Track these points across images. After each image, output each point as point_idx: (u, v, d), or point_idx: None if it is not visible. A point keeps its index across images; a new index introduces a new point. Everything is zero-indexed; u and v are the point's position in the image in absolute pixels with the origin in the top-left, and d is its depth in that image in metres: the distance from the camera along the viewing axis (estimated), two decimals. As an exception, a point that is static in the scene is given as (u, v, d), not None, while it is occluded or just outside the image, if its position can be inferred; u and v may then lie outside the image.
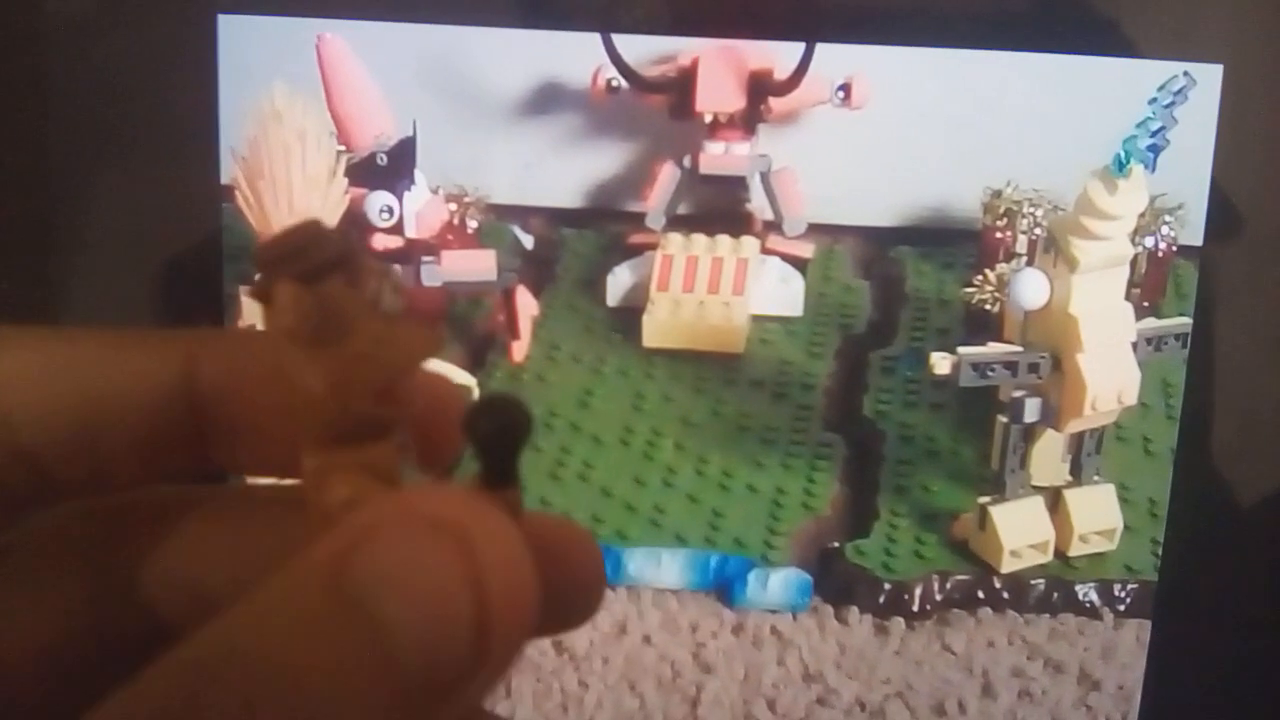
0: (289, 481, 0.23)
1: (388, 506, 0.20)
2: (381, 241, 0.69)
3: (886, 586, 0.65)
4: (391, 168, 0.68)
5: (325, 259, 0.21)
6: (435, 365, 0.68)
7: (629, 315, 0.73)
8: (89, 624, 0.23)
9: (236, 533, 0.24)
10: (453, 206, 0.71)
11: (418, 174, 0.68)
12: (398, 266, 0.69)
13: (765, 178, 0.71)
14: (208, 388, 0.23)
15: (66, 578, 0.23)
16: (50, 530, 0.24)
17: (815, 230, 0.71)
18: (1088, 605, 0.66)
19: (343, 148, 0.67)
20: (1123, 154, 0.59)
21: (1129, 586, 0.65)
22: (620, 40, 0.66)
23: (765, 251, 0.72)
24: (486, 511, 0.20)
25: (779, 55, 0.68)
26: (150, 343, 0.23)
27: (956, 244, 0.71)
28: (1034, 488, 0.66)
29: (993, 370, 0.63)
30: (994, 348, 0.64)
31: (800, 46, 0.65)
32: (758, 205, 0.73)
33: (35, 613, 0.23)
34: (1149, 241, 0.67)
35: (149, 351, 0.23)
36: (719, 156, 0.71)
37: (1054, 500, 0.66)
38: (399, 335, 0.21)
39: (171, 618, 0.23)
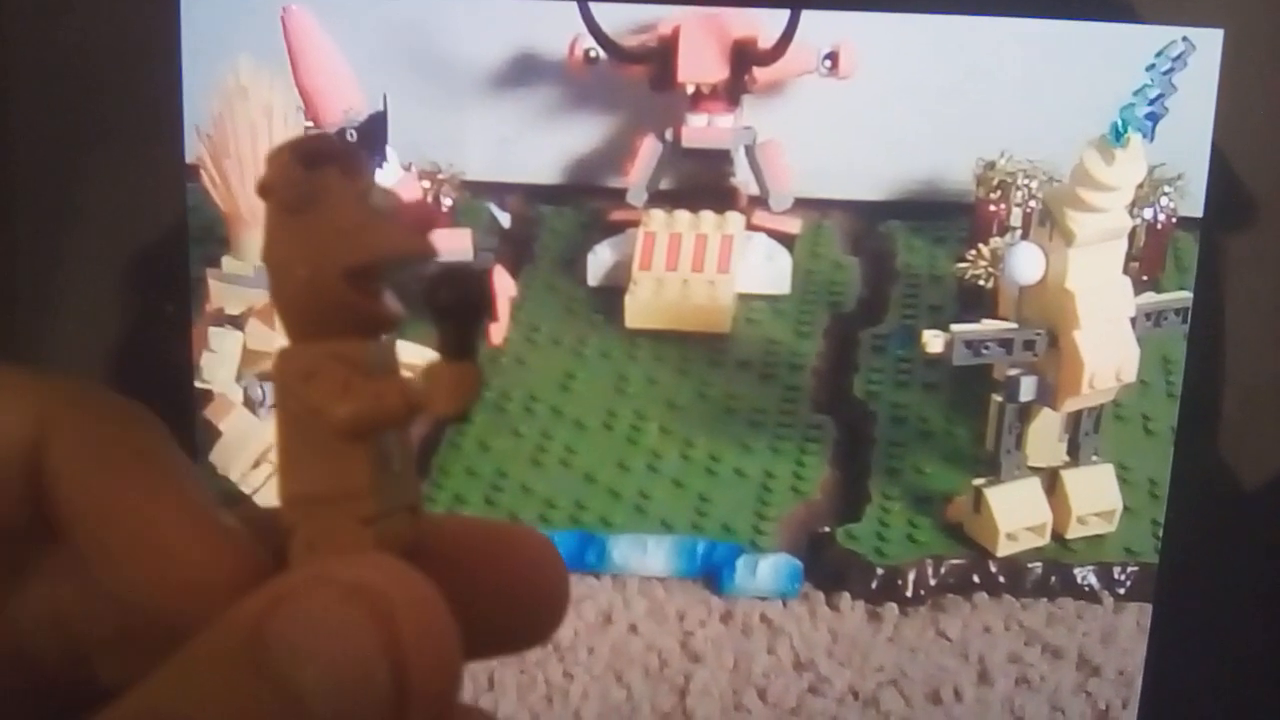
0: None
1: (307, 570, 0.20)
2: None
3: (879, 571, 0.65)
4: (361, 144, 0.67)
5: (323, 149, 0.21)
6: (409, 350, 0.67)
7: (611, 295, 0.72)
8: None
9: (86, 571, 0.23)
10: (426, 184, 0.70)
11: (389, 150, 0.68)
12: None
13: (750, 151, 0.71)
14: (57, 450, 0.22)
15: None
16: None
17: (802, 205, 0.71)
18: (1087, 589, 0.65)
19: (311, 123, 0.66)
20: (1120, 123, 0.59)
21: (1129, 569, 0.65)
22: (598, 8, 0.66)
23: (751, 228, 0.72)
24: (407, 577, 0.20)
25: (763, 23, 0.67)
26: (2, 390, 0.22)
27: (948, 218, 0.71)
28: (1030, 469, 0.66)
29: (987, 348, 0.63)
30: (988, 325, 0.63)
31: (785, 13, 0.65)
32: (743, 179, 0.72)
33: None
34: (1148, 213, 0.66)
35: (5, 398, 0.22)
36: (702, 129, 0.71)
37: (1051, 481, 0.66)
38: (382, 225, 0.21)
39: (45, 659, 0.23)
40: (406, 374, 0.22)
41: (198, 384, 0.66)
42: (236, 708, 0.19)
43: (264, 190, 0.22)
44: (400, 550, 0.21)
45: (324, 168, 0.21)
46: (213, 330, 0.66)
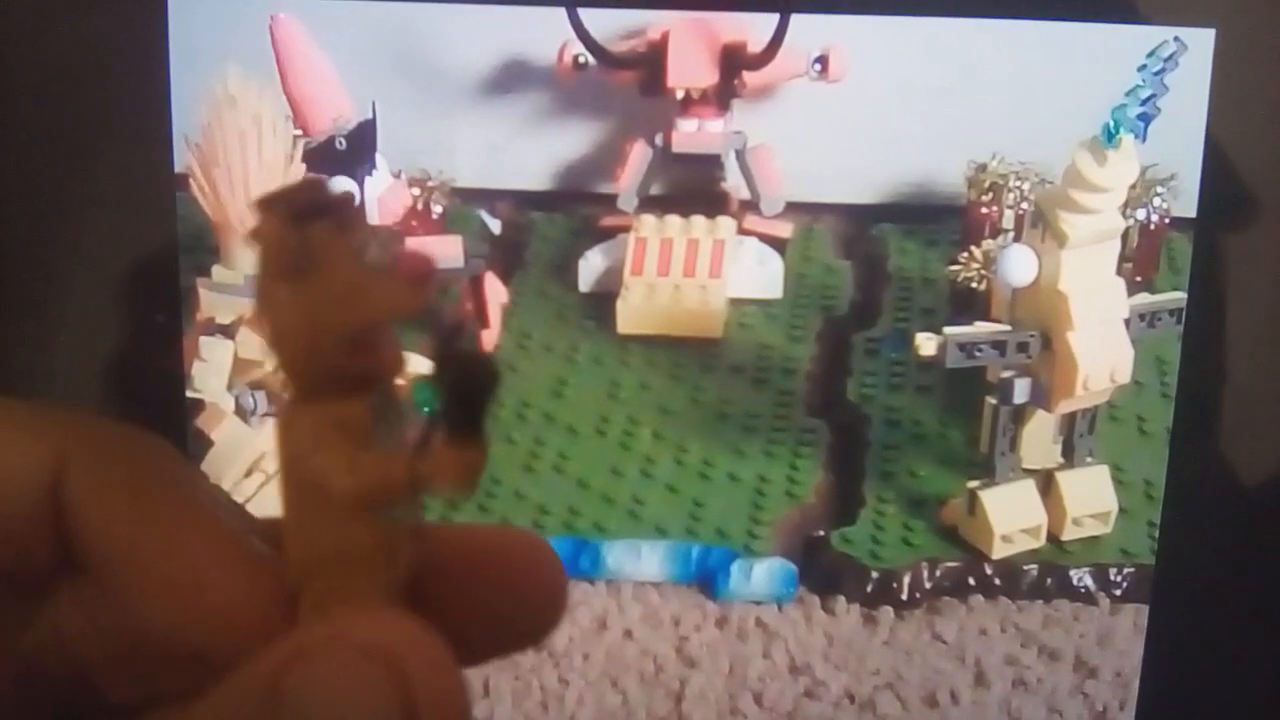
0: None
1: (324, 629, 0.21)
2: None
3: (874, 575, 0.65)
4: (351, 152, 0.67)
5: (317, 203, 0.21)
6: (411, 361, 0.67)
7: (602, 301, 0.72)
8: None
9: (94, 593, 0.23)
10: (416, 191, 0.70)
11: (379, 158, 0.68)
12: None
13: (740, 155, 0.71)
14: (75, 490, 0.22)
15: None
16: None
17: (793, 209, 0.71)
18: (1083, 590, 0.65)
19: (300, 132, 0.66)
20: (1112, 124, 0.59)
21: (1125, 570, 0.65)
22: (587, 14, 0.65)
23: (742, 232, 0.72)
24: (421, 637, 0.20)
25: (752, 27, 0.67)
26: (21, 424, 0.22)
27: (940, 220, 0.71)
28: (1025, 471, 0.66)
29: (980, 350, 0.63)
30: (981, 327, 0.63)
31: (774, 17, 0.65)
32: (733, 184, 0.72)
33: None
34: (1140, 214, 0.66)
35: (18, 434, 0.22)
36: (692, 134, 0.71)
37: (1046, 483, 0.66)
38: (379, 285, 0.21)
39: (48, 673, 0.23)
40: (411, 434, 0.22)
41: (189, 393, 0.65)
42: None
43: (264, 264, 0.21)
44: (406, 577, 0.22)
45: (316, 223, 0.21)
46: (204, 340, 0.66)
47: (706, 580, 0.66)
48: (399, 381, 0.22)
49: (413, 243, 0.68)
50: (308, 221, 0.21)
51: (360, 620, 0.21)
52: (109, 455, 0.22)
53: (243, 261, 0.65)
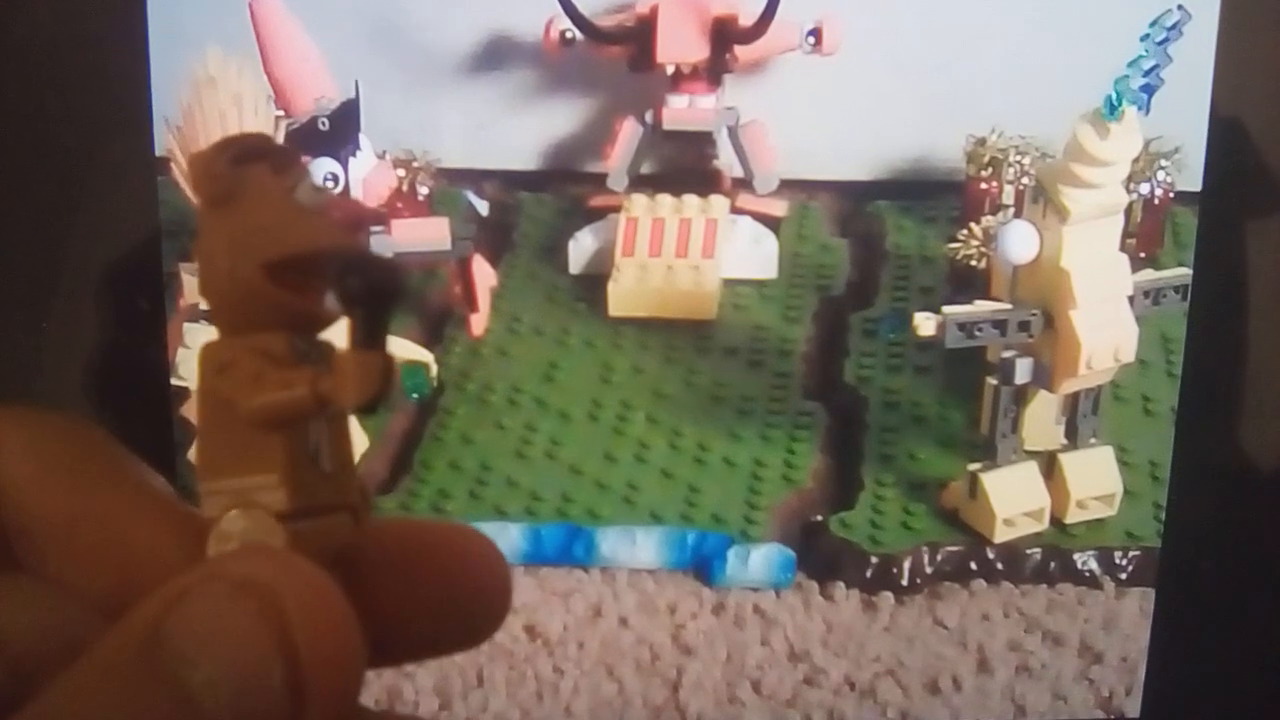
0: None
1: (200, 569, 0.20)
2: (327, 211, 0.67)
3: (873, 560, 0.65)
4: (334, 132, 0.67)
5: (253, 146, 0.22)
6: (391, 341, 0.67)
7: (593, 283, 0.72)
8: None
9: (38, 584, 0.23)
10: (401, 172, 0.70)
11: (362, 138, 0.67)
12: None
13: (733, 132, 0.71)
14: (6, 477, 0.22)
15: None
16: None
17: (788, 186, 0.71)
18: (1087, 574, 0.65)
19: (282, 113, 0.66)
20: (1114, 95, 0.58)
21: (1131, 554, 0.65)
22: None
23: (735, 211, 0.72)
24: (298, 569, 0.20)
25: None
26: None
27: (939, 197, 0.71)
28: (1027, 452, 0.65)
29: (980, 330, 0.62)
30: (981, 306, 0.63)
31: None
32: (726, 161, 0.72)
33: None
34: (1144, 188, 0.66)
35: None
36: (683, 110, 0.71)
37: (1049, 465, 0.65)
38: (305, 220, 0.22)
39: None
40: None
41: (174, 381, 0.65)
42: (133, 714, 0.19)
43: (197, 193, 0.22)
44: (332, 552, 0.21)
45: (252, 164, 0.22)
46: (188, 326, 0.65)
47: (702, 567, 0.65)
48: (327, 328, 0.22)
49: (399, 225, 0.68)
50: (245, 162, 0.22)
51: (239, 556, 0.21)
52: (39, 438, 0.23)
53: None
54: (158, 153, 0.64)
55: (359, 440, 0.67)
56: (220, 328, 0.22)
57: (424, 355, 0.68)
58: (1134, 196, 0.65)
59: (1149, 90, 0.58)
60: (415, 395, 0.68)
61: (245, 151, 0.22)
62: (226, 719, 0.19)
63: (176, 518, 0.22)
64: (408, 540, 0.24)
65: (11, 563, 0.23)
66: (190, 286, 0.65)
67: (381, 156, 0.68)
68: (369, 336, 0.21)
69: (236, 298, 0.21)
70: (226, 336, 0.22)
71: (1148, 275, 0.63)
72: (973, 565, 0.65)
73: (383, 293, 0.21)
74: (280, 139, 0.64)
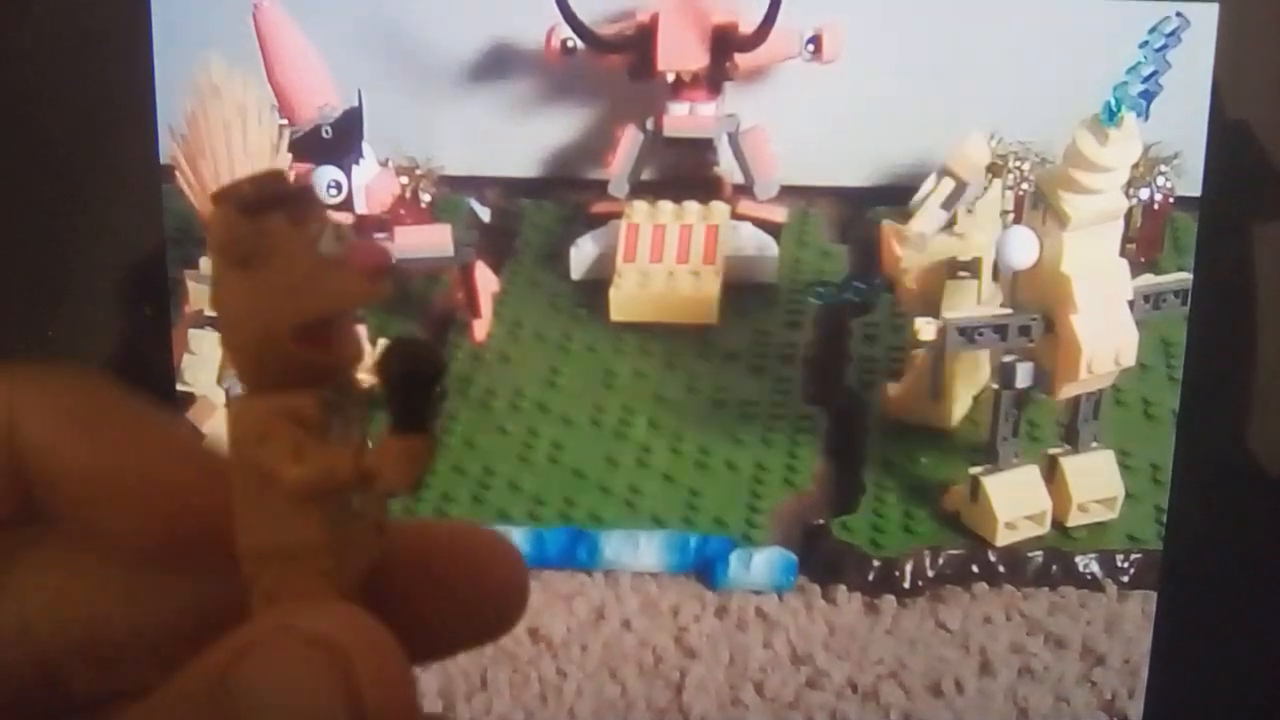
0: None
1: (269, 620, 0.21)
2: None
3: (875, 563, 0.65)
4: (337, 140, 0.67)
5: (273, 194, 0.21)
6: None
7: (595, 288, 0.72)
8: None
9: (64, 577, 0.24)
10: (404, 179, 0.70)
11: (365, 146, 0.68)
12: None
13: (733, 139, 0.71)
14: (29, 436, 0.23)
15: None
16: None
17: (788, 193, 0.71)
18: (1089, 577, 0.65)
19: (285, 121, 0.66)
20: (1113, 101, 0.58)
21: (1132, 556, 0.65)
22: None
23: (736, 217, 0.72)
24: (365, 627, 0.21)
25: (743, 7, 0.67)
26: None
27: None
28: (1028, 456, 0.65)
29: (981, 334, 0.62)
30: (982, 310, 0.63)
31: None
32: (726, 168, 0.73)
33: None
34: (1144, 193, 0.67)
35: None
36: (683, 118, 0.71)
37: (1050, 468, 0.65)
38: (330, 278, 0.21)
39: (62, 662, 0.23)
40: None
41: (179, 387, 0.66)
42: None
43: (217, 253, 0.21)
44: (363, 575, 0.22)
45: (269, 215, 0.21)
46: (193, 332, 0.65)
47: (705, 570, 0.65)
48: (358, 375, 0.22)
49: (402, 232, 0.69)
50: (262, 212, 0.21)
51: (306, 610, 0.21)
52: (55, 394, 0.23)
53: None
54: (162, 160, 0.64)
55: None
56: (247, 384, 0.22)
57: None
58: (1133, 202, 0.65)
59: (1148, 96, 0.58)
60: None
61: (261, 201, 0.21)
62: None
63: (204, 459, 0.23)
64: (427, 542, 0.24)
65: (42, 520, 0.23)
66: (195, 293, 0.65)
67: (384, 164, 0.69)
68: (412, 419, 0.21)
69: (265, 359, 0.21)
70: (256, 396, 0.22)
71: (1148, 280, 0.63)
72: (974, 568, 0.65)
73: (425, 377, 0.21)
74: (284, 146, 0.65)
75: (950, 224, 0.67)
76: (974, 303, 0.66)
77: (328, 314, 0.21)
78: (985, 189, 0.66)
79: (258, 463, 0.21)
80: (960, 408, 0.68)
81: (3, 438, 0.23)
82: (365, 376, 0.22)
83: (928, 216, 0.66)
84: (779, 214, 0.72)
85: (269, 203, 0.21)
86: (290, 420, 0.21)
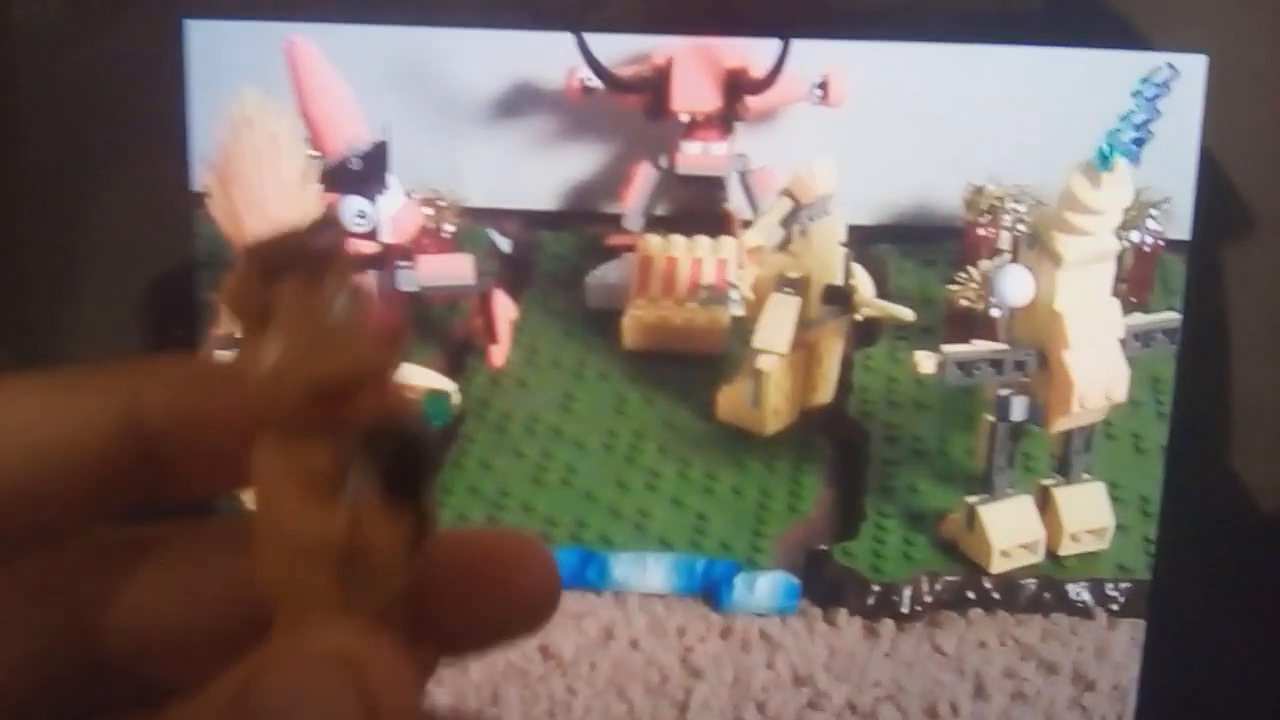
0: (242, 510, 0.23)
1: (289, 639, 0.21)
2: (356, 247, 0.69)
3: (875, 588, 0.65)
4: (365, 172, 0.68)
5: (289, 257, 0.21)
6: (415, 372, 0.68)
7: (609, 318, 0.73)
8: (42, 670, 0.24)
9: (189, 574, 0.24)
10: (428, 211, 0.71)
11: (391, 178, 0.68)
12: (373, 271, 0.69)
13: (743, 177, 0.72)
14: (153, 417, 0.23)
15: (20, 625, 0.24)
16: (4, 578, 0.24)
17: None
18: (1080, 605, 0.65)
19: (315, 152, 0.67)
20: (1106, 147, 0.59)
21: (1122, 585, 0.65)
22: (594, 40, 0.66)
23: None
24: (380, 644, 0.21)
25: (755, 53, 0.68)
26: (92, 382, 0.23)
27: (939, 241, 0.71)
28: (1023, 486, 0.66)
29: (979, 368, 0.63)
30: (979, 345, 0.64)
31: (776, 43, 0.65)
32: (736, 205, 0.73)
33: None
34: (1135, 236, 0.67)
35: (91, 392, 0.23)
36: (696, 156, 0.71)
37: (1044, 499, 0.66)
38: (343, 343, 0.21)
39: (130, 659, 0.24)
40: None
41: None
42: None
43: (231, 317, 0.22)
44: (393, 594, 0.22)
45: (286, 277, 0.21)
46: (219, 354, 0.65)
47: (711, 592, 0.66)
48: (378, 425, 0.22)
49: (425, 261, 0.70)
50: (279, 275, 0.21)
51: (325, 632, 0.21)
52: (169, 374, 0.24)
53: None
54: (195, 188, 0.64)
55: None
56: (264, 432, 0.22)
57: (446, 384, 0.69)
58: (1125, 244, 0.65)
59: (1139, 143, 0.59)
60: (437, 423, 0.68)
61: (279, 264, 0.21)
62: None
63: None
64: (463, 543, 0.24)
65: (169, 502, 0.24)
66: (223, 316, 0.65)
67: (409, 195, 0.69)
68: (401, 502, 0.21)
69: (281, 416, 0.21)
70: (274, 443, 0.21)
71: (1138, 319, 0.63)
72: (970, 594, 0.65)
73: (415, 460, 0.21)
74: (314, 177, 0.65)
75: (786, 242, 0.68)
76: (793, 317, 0.67)
77: (338, 380, 0.21)
78: (825, 215, 0.67)
79: (268, 518, 0.21)
80: (777, 420, 0.69)
81: (133, 423, 0.23)
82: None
83: (765, 231, 0.68)
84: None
85: (287, 265, 0.21)
86: (304, 474, 0.21)
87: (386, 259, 0.69)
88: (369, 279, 0.69)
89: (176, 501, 0.24)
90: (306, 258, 0.21)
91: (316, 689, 0.20)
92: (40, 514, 0.23)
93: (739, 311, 0.71)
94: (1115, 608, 0.65)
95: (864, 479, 0.69)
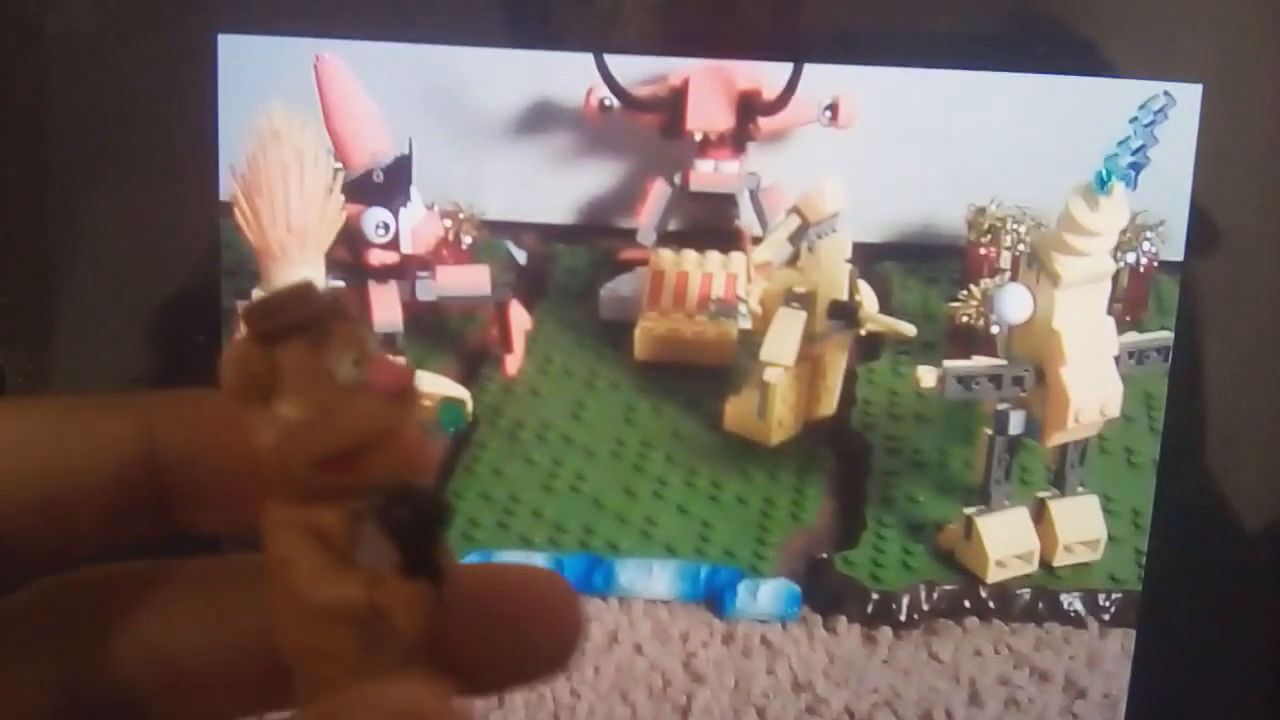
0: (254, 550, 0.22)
1: (351, 696, 0.20)
2: (377, 257, 0.70)
3: (874, 596, 0.66)
4: (388, 185, 0.68)
5: (290, 322, 0.21)
6: (429, 380, 0.69)
7: (621, 329, 0.73)
8: (58, 703, 0.23)
9: (207, 608, 0.24)
10: (447, 223, 0.71)
11: (413, 191, 0.69)
12: (394, 281, 0.70)
13: (754, 195, 0.72)
14: (168, 451, 0.23)
15: (37, 657, 0.23)
16: (20, 609, 0.23)
17: None
18: (1073, 614, 0.66)
19: (340, 165, 0.67)
20: (1104, 172, 0.60)
21: (1113, 596, 0.65)
22: (613, 60, 0.67)
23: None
24: (445, 698, 0.20)
25: (767, 75, 0.68)
26: (109, 410, 0.23)
27: (941, 260, 0.72)
28: (1019, 499, 0.67)
29: (978, 383, 0.64)
30: (979, 361, 0.64)
31: (788, 67, 0.66)
32: (747, 222, 0.73)
33: (3, 692, 0.23)
34: (1130, 257, 0.67)
35: (108, 419, 0.23)
36: (709, 174, 0.72)
37: (1039, 511, 0.67)
38: (350, 408, 0.21)
39: (143, 695, 0.23)
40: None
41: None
42: None
43: (231, 391, 0.21)
44: (415, 639, 0.21)
45: (287, 342, 0.21)
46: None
47: (714, 599, 0.66)
48: (390, 484, 0.21)
49: (444, 271, 0.70)
50: (280, 341, 0.21)
51: (386, 686, 0.20)
52: (187, 409, 0.23)
53: (281, 286, 0.65)
54: (222, 198, 0.64)
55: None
56: (272, 497, 0.21)
57: (460, 392, 0.69)
58: (1121, 264, 0.65)
59: (1136, 168, 0.59)
60: (451, 429, 0.69)
61: (278, 328, 0.21)
62: None
63: None
64: (489, 581, 0.23)
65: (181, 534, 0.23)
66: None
67: (430, 208, 0.70)
68: (416, 564, 0.21)
69: (290, 487, 0.21)
70: (285, 507, 0.21)
71: (1132, 337, 0.64)
72: (966, 603, 0.66)
73: (429, 522, 0.21)
74: (338, 189, 0.66)
75: (794, 258, 0.69)
76: (799, 331, 0.68)
77: (346, 447, 0.21)
78: (832, 232, 0.68)
79: (283, 584, 0.21)
80: (782, 431, 0.70)
81: (148, 455, 0.22)
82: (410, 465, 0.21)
83: (774, 248, 0.68)
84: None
85: (287, 329, 0.21)
86: (316, 538, 0.21)
87: (407, 269, 0.70)
88: (387, 293, 0.70)
89: (185, 537, 0.24)
90: (306, 319, 0.21)
91: None
92: (51, 536, 0.23)
93: (747, 325, 0.72)
94: (1107, 617, 0.65)
95: (865, 489, 0.69)
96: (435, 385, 0.69)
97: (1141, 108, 0.59)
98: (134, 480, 0.23)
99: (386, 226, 0.69)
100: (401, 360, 0.19)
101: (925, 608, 0.66)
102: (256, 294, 0.67)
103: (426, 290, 0.70)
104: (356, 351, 0.21)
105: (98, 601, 0.23)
